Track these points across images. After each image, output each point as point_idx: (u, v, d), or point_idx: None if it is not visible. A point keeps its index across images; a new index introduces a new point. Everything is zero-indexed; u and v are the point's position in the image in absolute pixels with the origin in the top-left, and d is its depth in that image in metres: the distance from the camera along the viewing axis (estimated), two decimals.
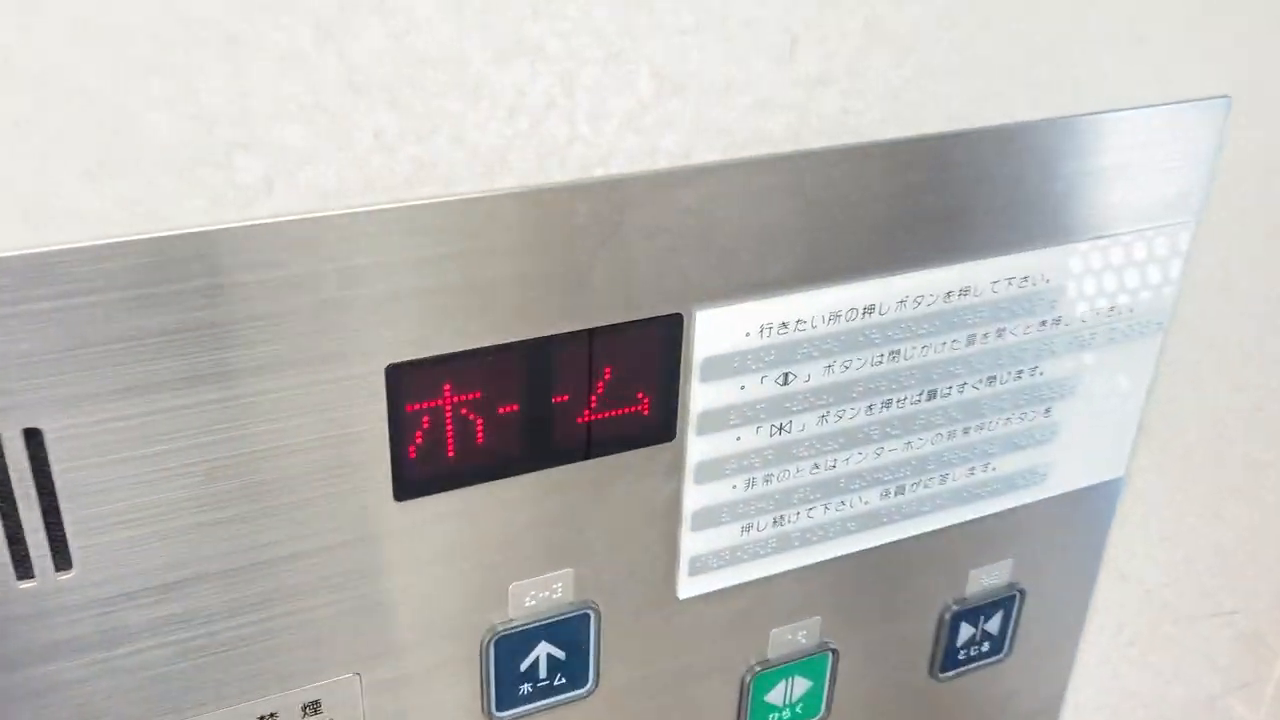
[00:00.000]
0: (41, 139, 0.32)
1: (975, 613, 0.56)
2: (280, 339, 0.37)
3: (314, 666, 0.43)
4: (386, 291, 0.38)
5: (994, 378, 0.49)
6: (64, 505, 0.37)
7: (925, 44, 0.42)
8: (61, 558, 0.38)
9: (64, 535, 0.37)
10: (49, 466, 0.36)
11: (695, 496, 0.46)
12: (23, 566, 0.37)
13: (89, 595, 0.39)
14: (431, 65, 0.35)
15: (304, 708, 0.44)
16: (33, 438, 0.36)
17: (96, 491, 0.37)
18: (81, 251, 0.34)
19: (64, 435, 0.36)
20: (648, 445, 0.44)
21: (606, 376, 0.43)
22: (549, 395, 0.42)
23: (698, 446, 0.45)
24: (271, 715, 0.43)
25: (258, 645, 0.42)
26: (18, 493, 0.36)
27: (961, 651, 0.57)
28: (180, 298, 0.36)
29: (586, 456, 0.44)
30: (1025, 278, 0.47)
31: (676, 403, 0.44)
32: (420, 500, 0.42)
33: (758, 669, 0.52)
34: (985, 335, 0.48)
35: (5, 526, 0.37)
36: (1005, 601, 0.57)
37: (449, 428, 0.41)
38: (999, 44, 0.43)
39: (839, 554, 0.51)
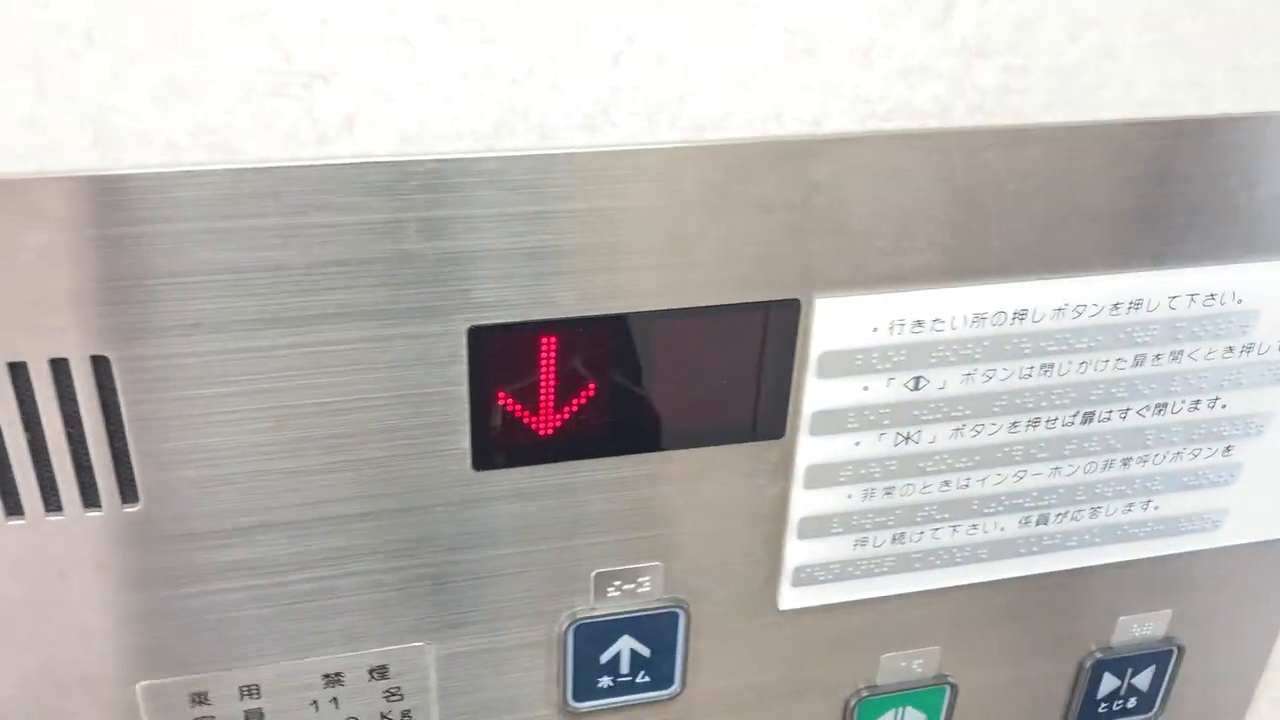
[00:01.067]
0: (108, 55, 0.31)
1: (1123, 664, 0.50)
2: (356, 288, 0.35)
3: (383, 630, 0.42)
4: (472, 248, 0.35)
5: (1164, 405, 0.43)
6: (130, 436, 0.36)
7: (1110, 17, 0.36)
8: (128, 489, 0.37)
9: (131, 467, 0.37)
10: (117, 396, 0.35)
11: (804, 502, 0.42)
12: (90, 494, 0.37)
13: (155, 530, 0.38)
14: (530, 0, 0.32)
15: (371, 671, 0.42)
16: (100, 365, 0.35)
17: (163, 426, 0.36)
18: (154, 178, 0.33)
19: (131, 365, 0.35)
20: (753, 440, 0.41)
21: (710, 361, 0.39)
22: (646, 375, 0.39)
23: (810, 448, 0.41)
24: (337, 674, 0.42)
25: (325, 602, 0.40)
26: (86, 419, 0.36)
27: (1103, 704, 0.51)
28: (253, 235, 0.34)
29: (684, 445, 0.40)
30: (1212, 295, 0.41)
31: (788, 398, 0.40)
32: (500, 472, 0.39)
33: (865, 694, 0.48)
34: (1158, 357, 0.42)
35: (73, 453, 0.36)
36: (1160, 656, 0.50)
37: (535, 399, 0.39)
38: (1202, 22, 0.37)
39: (966, 582, 0.46)
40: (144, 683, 0.40)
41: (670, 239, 0.37)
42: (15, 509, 0.37)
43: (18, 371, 0.35)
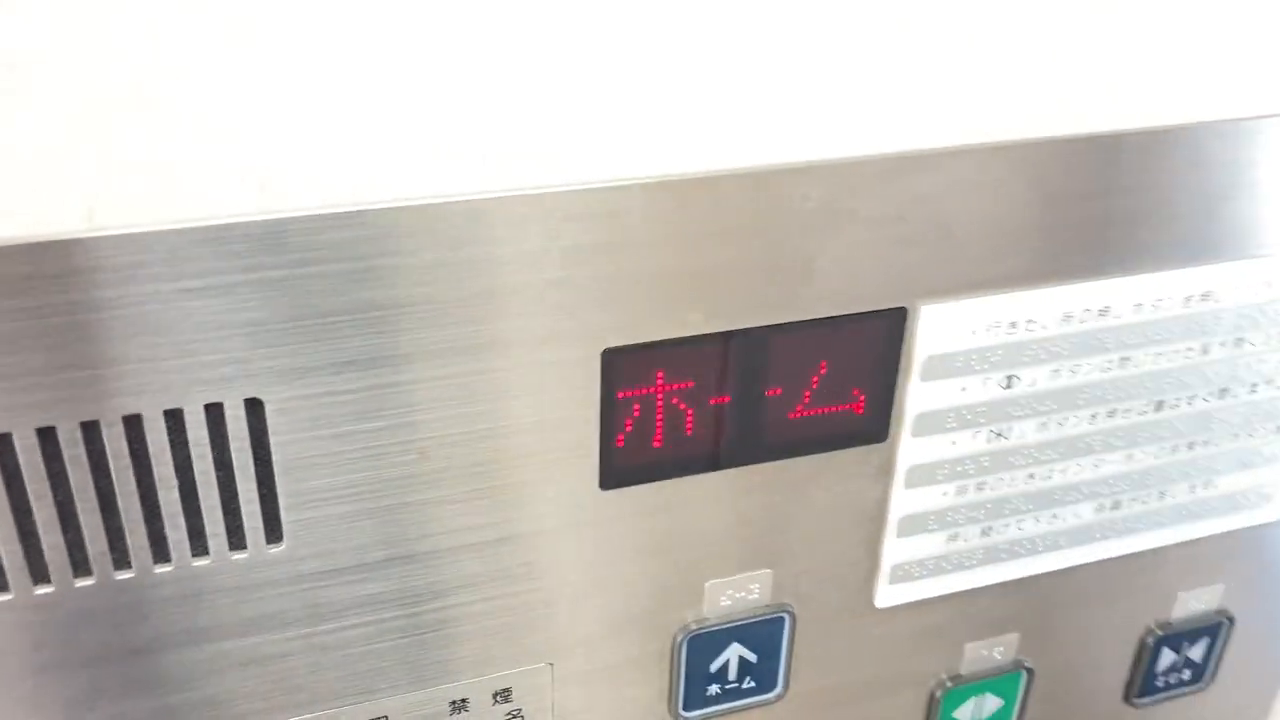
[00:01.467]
0: (278, 104, 0.32)
1: (1179, 638, 0.53)
2: (500, 318, 0.36)
3: (508, 654, 0.42)
4: (605, 273, 0.37)
5: (1226, 390, 0.46)
6: (279, 478, 0.36)
7: (1178, 28, 0.39)
8: (274, 531, 0.37)
9: (277, 508, 0.37)
10: (268, 438, 0.36)
11: (904, 501, 0.44)
12: (235, 537, 0.37)
13: (297, 569, 0.38)
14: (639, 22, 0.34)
15: (495, 695, 0.43)
16: (254, 408, 0.35)
17: (312, 465, 0.36)
18: (313, 220, 0.33)
19: (284, 407, 0.35)
20: (859, 445, 0.42)
21: (823, 371, 0.41)
22: (762, 388, 0.40)
23: (912, 449, 0.43)
24: (463, 701, 0.43)
25: (456, 629, 0.41)
26: (236, 463, 0.36)
27: (1161, 678, 0.54)
28: (403, 272, 0.35)
29: (796, 454, 0.42)
30: (1268, 284, 0.44)
31: (893, 402, 0.42)
32: (625, 490, 0.40)
33: (949, 684, 0.50)
34: (1223, 344, 0.45)
35: (222, 496, 0.36)
36: (1212, 628, 0.53)
37: (659, 417, 0.40)
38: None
39: (1045, 570, 0.48)
40: None
41: (789, 256, 0.38)
42: (163, 556, 0.37)
43: (173, 419, 0.35)
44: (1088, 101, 0.40)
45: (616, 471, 0.40)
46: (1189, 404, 0.46)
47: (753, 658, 0.46)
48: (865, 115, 0.38)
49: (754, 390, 0.40)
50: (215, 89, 0.31)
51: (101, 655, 0.37)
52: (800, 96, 0.37)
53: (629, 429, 0.39)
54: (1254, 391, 0.46)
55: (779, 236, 0.38)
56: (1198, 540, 0.50)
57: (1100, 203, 0.41)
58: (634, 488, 0.40)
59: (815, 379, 0.41)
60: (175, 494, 0.36)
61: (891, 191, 0.39)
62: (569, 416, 0.39)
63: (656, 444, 0.40)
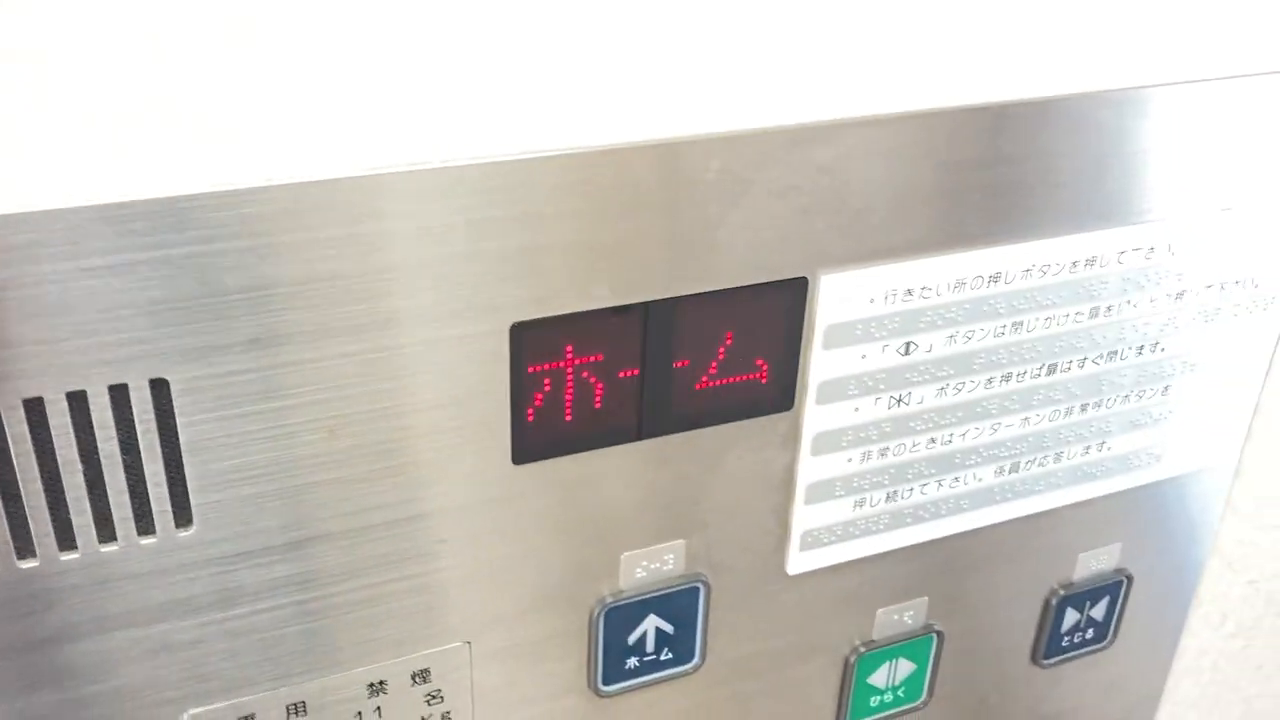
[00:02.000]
0: (177, 80, 0.31)
1: (1082, 598, 0.55)
2: (407, 293, 0.36)
3: (425, 634, 0.42)
4: (512, 247, 0.37)
5: (1115, 353, 0.48)
6: (187, 459, 0.36)
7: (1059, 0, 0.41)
8: (182, 514, 0.37)
9: (186, 491, 0.37)
10: (174, 419, 0.36)
11: (811, 469, 0.45)
12: (144, 522, 0.37)
13: (207, 554, 0.38)
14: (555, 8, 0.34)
15: (413, 676, 0.43)
16: (159, 389, 0.35)
17: (220, 446, 0.36)
18: (214, 197, 0.33)
19: (190, 387, 0.35)
20: (766, 414, 0.43)
21: (728, 342, 0.42)
22: (670, 360, 0.41)
23: (816, 417, 0.44)
24: (381, 683, 0.43)
25: (371, 610, 0.41)
26: (143, 444, 0.36)
27: (1065, 638, 0.55)
28: (307, 248, 0.35)
29: (705, 424, 0.42)
30: (1152, 249, 0.46)
31: (797, 371, 0.43)
32: (537, 465, 0.41)
33: (862, 650, 0.51)
34: (1110, 308, 0.46)
35: (128, 480, 0.36)
36: (1112, 587, 0.55)
37: (569, 391, 0.40)
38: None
39: (950, 532, 0.49)
40: (191, 711, 0.40)
41: (694, 227, 0.39)
42: (69, 543, 0.36)
43: (76, 401, 0.34)
44: (976, 72, 0.41)
45: (528, 446, 0.40)
46: (1080, 367, 0.47)
47: (669, 629, 0.46)
48: (765, 87, 0.39)
49: (662, 362, 0.41)
50: (113, 66, 0.31)
51: (5, 648, 0.36)
52: (702, 69, 0.38)
53: (539, 403, 0.40)
54: (1140, 354, 0.48)
55: (683, 208, 0.39)
56: (1094, 500, 0.52)
57: (990, 171, 0.42)
58: (546, 462, 0.41)
59: (721, 350, 0.42)
60: (80, 478, 0.35)
61: (791, 162, 0.40)
62: (479, 392, 0.39)
63: (567, 418, 0.41)
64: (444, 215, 0.36)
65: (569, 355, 0.40)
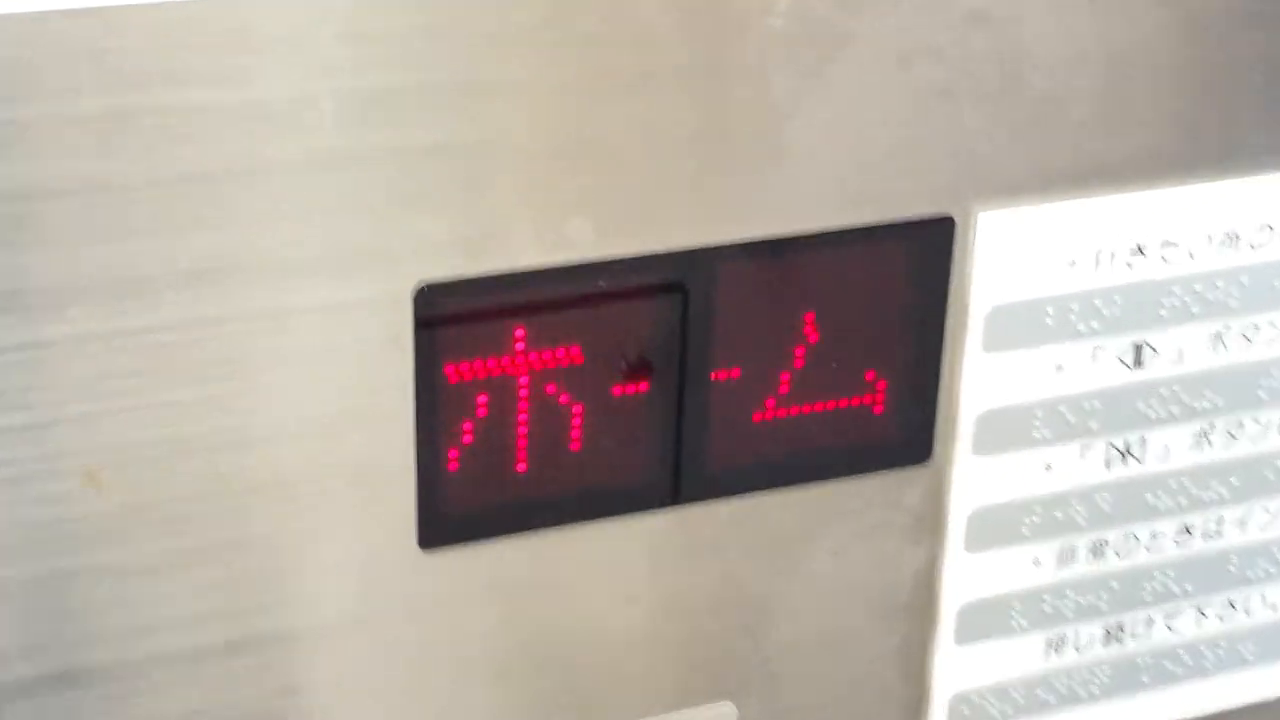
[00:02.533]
0: None
1: None
2: (225, 222, 0.21)
3: None
4: (413, 143, 0.21)
5: None
6: None
7: None
8: None
9: None
10: None
11: (965, 575, 0.27)
12: None
13: None
14: None
15: None
16: None
17: None
18: None
19: None
20: (883, 470, 0.26)
21: (810, 335, 0.25)
22: (706, 366, 0.24)
23: (973, 477, 0.26)
24: None
25: None
26: None
27: None
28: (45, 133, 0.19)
29: (768, 487, 0.25)
30: None
31: (937, 392, 0.26)
32: (463, 552, 0.24)
33: None
34: None
35: None
36: None
37: (521, 414, 0.24)
38: None
39: (1222, 708, 0.29)
40: None
41: (738, 118, 0.23)
42: None
43: None
44: None
45: (447, 517, 0.24)
46: None
47: None
48: None
49: (693, 369, 0.24)
50: None
51: None
52: None
53: (468, 437, 0.24)
54: None
55: (727, 82, 0.23)
56: None
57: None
58: (480, 549, 0.25)
59: (799, 349, 0.25)
60: None
61: (923, 2, 0.22)
62: (358, 412, 0.23)
63: (520, 466, 0.24)
64: (294, 67, 0.20)
65: (521, 350, 0.23)
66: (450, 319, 0.23)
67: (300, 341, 0.22)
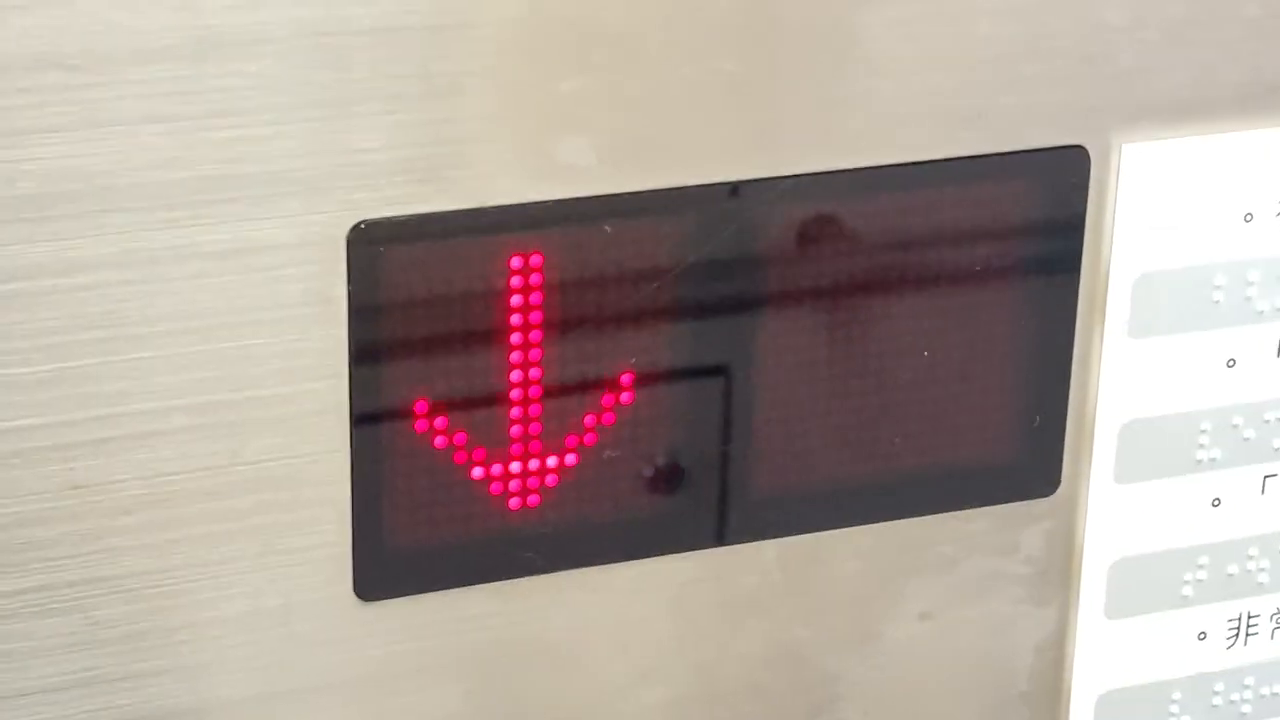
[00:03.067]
0: None
1: None
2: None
3: None
4: (333, 19, 0.16)
5: None
6: None
7: None
8: None
9: None
10: None
11: (1107, 651, 0.21)
12: None
13: None
14: None
15: None
16: None
17: None
18: None
19: None
20: (986, 503, 0.20)
21: (887, 307, 0.20)
22: (749, 348, 0.19)
23: (1117, 515, 0.20)
24: None
25: None
26: None
27: None
28: None
29: (829, 526, 0.20)
30: None
31: (1064, 397, 0.20)
32: (410, 604, 0.19)
33: None
34: None
35: None
36: None
37: (497, 403, 0.19)
38: None
39: None
40: None
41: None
42: None
43: None
44: None
45: (393, 556, 0.19)
46: None
47: None
48: None
49: (731, 355, 0.19)
50: None
51: None
52: None
53: (422, 439, 0.18)
54: None
55: None
56: None
57: None
58: (435, 597, 0.19)
59: (873, 331, 0.20)
60: None
61: None
62: (270, 400, 0.18)
63: (494, 486, 0.19)
64: None
65: (498, 313, 0.18)
66: (398, 270, 0.17)
67: (189, 299, 0.17)
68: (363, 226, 0.17)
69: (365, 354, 0.17)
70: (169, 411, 0.18)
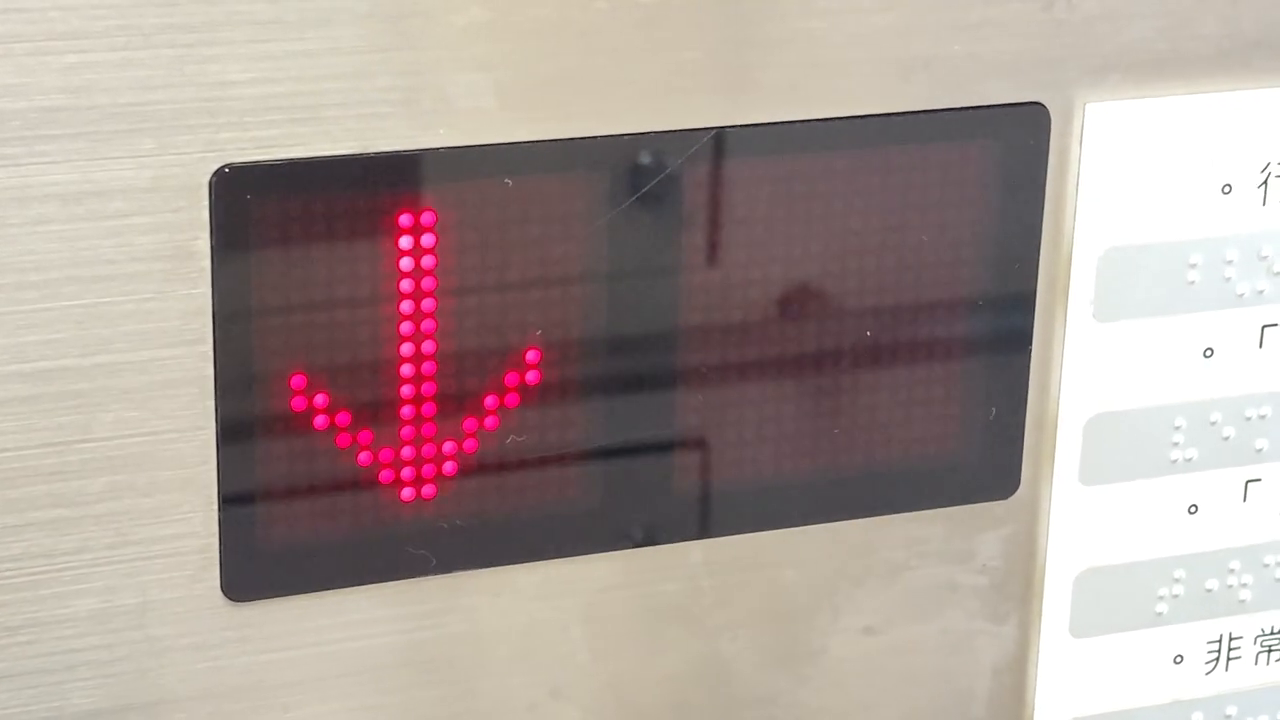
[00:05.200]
0: None
1: None
2: None
3: None
4: None
5: None
6: None
7: None
8: None
9: None
10: None
11: (1072, 673, 0.19)
12: None
13: None
14: None
15: None
16: None
17: None
18: None
19: None
20: (937, 504, 0.19)
21: (823, 280, 0.17)
22: (671, 323, 0.17)
23: (1083, 520, 0.19)
24: None
25: None
26: None
27: None
28: None
29: (771, 526, 0.18)
30: None
31: (1024, 387, 0.19)
32: (294, 604, 0.17)
33: None
34: None
35: None
36: None
37: (393, 379, 0.17)
38: None
39: None
40: None
41: None
42: None
43: None
44: None
45: (268, 551, 0.17)
46: None
47: None
48: None
49: (653, 329, 0.17)
50: None
51: None
52: None
53: (301, 419, 0.17)
54: None
55: None
56: None
57: None
58: (316, 598, 0.17)
59: (807, 306, 0.18)
60: None
61: None
62: (120, 367, 0.16)
63: (384, 474, 0.17)
64: None
65: (387, 273, 0.17)
66: (269, 222, 0.15)
67: (27, 248, 0.15)
68: (228, 171, 0.15)
69: (231, 318, 0.16)
70: (6, 378, 0.16)
